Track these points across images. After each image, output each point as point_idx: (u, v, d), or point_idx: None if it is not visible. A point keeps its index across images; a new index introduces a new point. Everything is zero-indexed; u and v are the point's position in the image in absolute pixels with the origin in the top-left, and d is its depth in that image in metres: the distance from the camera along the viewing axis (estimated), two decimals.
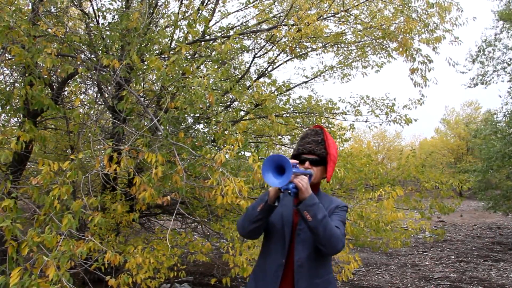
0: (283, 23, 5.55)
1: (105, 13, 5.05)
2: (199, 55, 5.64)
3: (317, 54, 7.31)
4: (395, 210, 4.47)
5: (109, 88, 5.09)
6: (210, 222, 5.16)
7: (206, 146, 4.13)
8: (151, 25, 5.20)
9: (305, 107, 6.96)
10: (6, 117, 4.55)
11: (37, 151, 5.87)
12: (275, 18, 6.40)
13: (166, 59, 4.61)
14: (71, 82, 5.06)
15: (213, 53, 5.29)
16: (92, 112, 4.51)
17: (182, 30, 5.13)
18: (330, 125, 7.72)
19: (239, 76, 6.65)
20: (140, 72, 4.59)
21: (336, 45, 6.88)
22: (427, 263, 8.71)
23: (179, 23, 5.19)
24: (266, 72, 6.98)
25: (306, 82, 7.99)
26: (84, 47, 4.93)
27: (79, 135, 4.18)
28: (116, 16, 4.90)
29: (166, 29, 5.65)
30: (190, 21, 4.42)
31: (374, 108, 6.94)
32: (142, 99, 5.00)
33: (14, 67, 4.64)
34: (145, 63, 4.18)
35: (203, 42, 5.30)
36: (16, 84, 4.75)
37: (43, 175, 2.74)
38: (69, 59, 4.55)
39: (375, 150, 27.81)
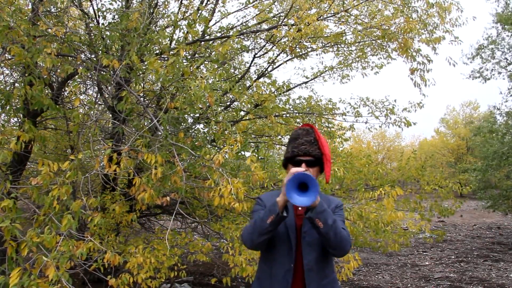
0: (283, 23, 5.54)
1: (105, 13, 5.05)
2: (199, 55, 5.64)
3: (317, 54, 7.31)
4: (394, 210, 4.46)
5: (109, 88, 5.09)
6: (210, 222, 5.16)
7: (206, 146, 4.13)
8: (151, 25, 5.19)
9: (305, 107, 6.95)
10: (6, 117, 4.56)
11: (36, 151, 5.87)
12: (275, 18, 6.40)
13: (166, 59, 4.61)
14: (71, 82, 5.06)
15: (213, 53, 5.29)
16: (92, 112, 4.51)
17: (182, 30, 5.13)
18: (330, 125, 7.71)
19: (239, 76, 6.65)
20: (140, 72, 4.59)
21: (336, 45, 6.88)
22: (427, 263, 8.71)
23: (179, 23, 5.19)
24: (266, 72, 6.97)
25: (306, 83, 7.99)
26: (84, 47, 4.93)
27: (79, 135, 4.18)
28: (116, 16, 4.90)
29: (166, 29, 5.65)
30: (190, 21, 4.43)
31: (374, 110, 6.94)
32: (142, 99, 5.00)
33: (14, 67, 4.64)
34: (145, 63, 4.18)
35: (203, 42, 5.30)
36: (16, 84, 4.76)
37: (43, 175, 2.74)
38: (69, 59, 4.56)
39: (375, 150, 27.81)
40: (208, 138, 4.74)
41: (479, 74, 12.89)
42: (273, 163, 4.86)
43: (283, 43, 5.85)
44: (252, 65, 6.79)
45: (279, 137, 6.84)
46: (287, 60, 6.98)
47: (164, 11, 5.82)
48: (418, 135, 41.66)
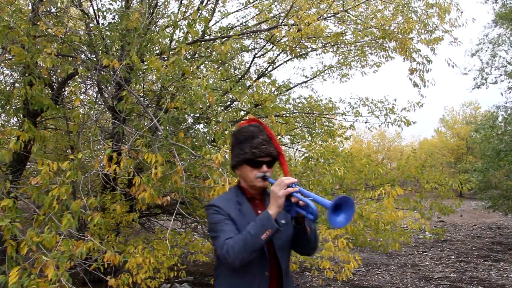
0: (283, 23, 5.55)
1: (105, 13, 5.05)
2: (199, 55, 5.64)
3: (317, 54, 7.32)
4: (395, 210, 4.47)
5: (109, 88, 5.10)
6: None
7: (206, 146, 4.13)
8: (151, 25, 5.20)
9: (305, 107, 6.96)
10: (6, 117, 4.56)
11: (36, 151, 5.87)
12: (275, 18, 6.40)
13: (166, 59, 4.61)
14: (71, 82, 5.06)
15: (213, 53, 5.29)
16: (92, 112, 4.51)
17: (182, 30, 5.13)
18: (330, 125, 7.72)
19: (239, 76, 6.65)
20: (140, 72, 4.60)
21: (336, 45, 6.89)
22: (427, 263, 8.71)
23: (179, 23, 5.20)
24: (266, 72, 6.98)
25: (305, 82, 8.00)
26: (84, 47, 4.93)
27: (79, 135, 4.18)
28: (116, 16, 4.90)
29: (166, 29, 5.65)
30: (190, 21, 4.43)
31: (374, 110, 6.94)
32: (142, 99, 5.00)
33: (14, 67, 4.64)
34: (145, 63, 4.18)
35: (203, 42, 5.31)
36: (16, 84, 4.75)
37: (43, 175, 2.74)
38: (69, 59, 4.56)
39: (375, 150, 27.82)
40: (208, 138, 4.74)
41: (480, 82, 12.92)
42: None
43: (283, 43, 5.86)
44: (252, 65, 6.81)
45: (279, 137, 6.84)
46: (287, 60, 6.99)
47: (164, 11, 5.83)
48: (418, 135, 41.62)
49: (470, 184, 7.11)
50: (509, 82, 12.49)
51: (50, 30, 3.69)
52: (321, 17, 5.43)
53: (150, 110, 4.56)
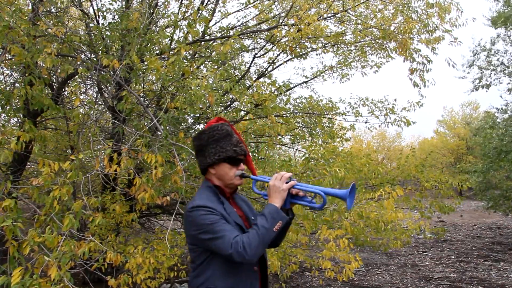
0: (283, 23, 5.55)
1: (105, 13, 5.05)
2: (199, 55, 5.64)
3: (317, 54, 7.33)
4: (395, 210, 4.47)
5: (109, 88, 5.09)
6: None
7: None
8: (151, 25, 5.20)
9: (306, 107, 6.96)
10: (6, 117, 4.56)
11: (37, 151, 5.87)
12: (275, 18, 6.40)
13: (166, 59, 4.61)
14: (71, 82, 5.06)
15: (213, 53, 5.29)
16: (92, 112, 4.51)
17: (182, 30, 5.13)
18: (330, 125, 7.72)
19: (239, 76, 6.65)
20: (140, 72, 4.59)
21: (336, 45, 6.89)
22: (427, 263, 8.71)
23: (179, 23, 5.20)
24: (266, 72, 6.98)
25: (306, 82, 8.01)
26: (84, 47, 4.93)
27: (79, 135, 4.18)
28: (116, 16, 4.90)
29: (166, 29, 5.65)
30: (190, 21, 4.42)
31: (374, 110, 6.95)
32: (142, 99, 5.00)
33: (14, 67, 4.64)
34: (145, 63, 4.18)
35: (203, 42, 5.31)
36: (16, 84, 4.75)
37: (44, 176, 2.74)
38: (69, 59, 4.56)
39: (375, 150, 27.82)
40: None
41: (479, 85, 12.94)
42: (273, 163, 4.86)
43: (283, 43, 5.86)
44: (252, 65, 6.81)
45: (279, 137, 6.84)
46: (287, 60, 7.00)
47: (164, 11, 5.83)
48: (418, 135, 41.64)
49: (470, 183, 7.12)
50: (508, 83, 12.52)
51: (50, 30, 3.69)
52: (321, 17, 5.44)
53: (150, 110, 4.56)
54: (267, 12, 6.32)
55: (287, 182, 1.84)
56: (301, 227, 4.26)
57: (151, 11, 5.03)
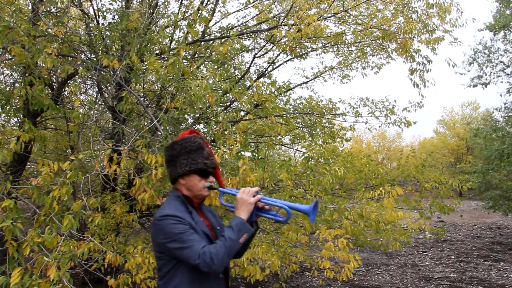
0: (283, 23, 5.55)
1: (105, 13, 5.05)
2: (199, 55, 5.64)
3: (317, 55, 7.32)
4: (395, 209, 4.47)
5: (109, 88, 5.10)
6: None
7: None
8: (151, 25, 5.20)
9: (306, 107, 6.96)
10: (6, 117, 4.56)
11: (36, 151, 5.87)
12: (275, 18, 6.40)
13: (166, 59, 4.61)
14: (71, 82, 5.06)
15: (213, 53, 5.29)
16: (92, 112, 4.51)
17: (182, 30, 5.13)
18: (330, 125, 7.72)
19: (239, 76, 6.65)
20: (140, 73, 4.60)
21: (336, 46, 6.89)
22: (427, 263, 8.71)
23: (179, 23, 5.20)
24: (266, 72, 6.98)
25: (306, 83, 8.00)
26: (84, 47, 4.93)
27: (79, 136, 4.18)
28: (116, 16, 4.90)
29: (166, 29, 5.65)
30: (190, 21, 4.43)
31: (374, 110, 6.95)
32: (142, 99, 5.00)
33: (14, 67, 4.64)
34: (145, 63, 4.18)
35: (203, 43, 5.31)
36: (16, 84, 4.76)
37: (43, 176, 2.74)
38: (69, 59, 4.56)
39: (375, 150, 27.82)
40: (208, 138, 4.74)
41: (478, 80, 12.91)
42: (273, 163, 4.86)
43: (283, 43, 5.86)
44: (252, 65, 6.81)
45: (279, 137, 6.85)
46: (287, 60, 6.99)
47: (164, 11, 5.83)
48: (418, 135, 41.64)
49: (470, 184, 7.12)
50: (508, 82, 12.50)
51: (50, 30, 3.69)
52: (321, 17, 5.43)
53: (150, 110, 4.56)
54: (267, 12, 6.32)
55: (254, 196, 1.90)
56: (301, 227, 4.26)
57: (151, 11, 5.03)
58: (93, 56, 4.82)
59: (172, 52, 4.68)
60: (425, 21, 5.52)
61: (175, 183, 2.00)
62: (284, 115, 6.56)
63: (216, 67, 5.60)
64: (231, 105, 6.52)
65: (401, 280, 7.30)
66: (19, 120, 4.53)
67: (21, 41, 3.35)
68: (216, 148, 4.64)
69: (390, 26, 5.39)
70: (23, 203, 3.63)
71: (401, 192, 4.45)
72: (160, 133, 3.97)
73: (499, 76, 12.67)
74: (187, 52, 5.11)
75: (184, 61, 4.85)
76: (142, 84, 5.42)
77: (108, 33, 4.58)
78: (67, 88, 5.45)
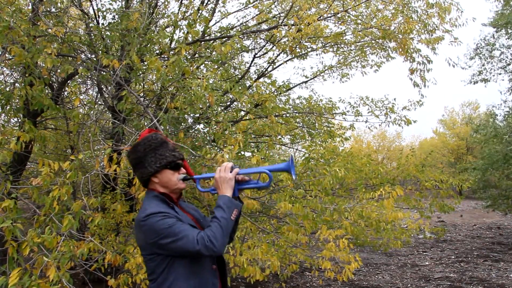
0: (283, 23, 5.55)
1: (105, 13, 5.05)
2: (199, 55, 5.64)
3: (317, 54, 7.33)
4: (395, 209, 4.47)
5: (109, 88, 5.09)
6: None
7: (206, 146, 4.13)
8: (151, 25, 5.19)
9: (305, 107, 6.96)
10: (6, 117, 4.56)
11: (37, 151, 5.87)
12: (275, 18, 6.40)
13: (166, 59, 4.61)
14: (71, 82, 5.06)
15: (213, 53, 5.29)
16: (92, 112, 4.51)
17: (182, 30, 5.13)
18: (330, 125, 7.72)
19: (239, 76, 6.65)
20: (140, 72, 4.59)
21: (336, 45, 6.89)
22: (427, 263, 8.71)
23: (179, 23, 5.19)
24: (266, 72, 6.98)
25: (305, 82, 8.01)
26: (84, 47, 4.93)
27: (79, 135, 4.18)
28: (116, 16, 4.90)
29: (166, 29, 5.65)
30: (190, 21, 4.42)
31: (374, 109, 6.95)
32: (142, 99, 5.00)
33: (14, 67, 4.64)
34: (145, 63, 4.18)
35: (203, 42, 5.31)
36: (16, 84, 4.75)
37: (43, 176, 2.74)
38: (69, 59, 4.55)
39: (375, 150, 27.82)
40: (208, 138, 4.74)
41: (479, 77, 12.90)
42: (274, 162, 4.87)
43: (283, 43, 5.86)
44: (252, 65, 6.81)
45: (279, 137, 6.85)
46: (287, 60, 6.99)
47: (164, 11, 5.83)
48: (418, 135, 41.66)
49: (469, 182, 7.11)
50: (510, 78, 12.49)
51: (50, 30, 3.68)
52: (321, 17, 5.43)
53: (150, 110, 4.55)
54: (267, 12, 6.32)
55: (231, 171, 1.89)
56: (301, 227, 4.26)
57: (151, 11, 5.03)
58: (93, 56, 4.82)
59: (172, 52, 4.68)
60: (425, 21, 5.52)
61: (147, 184, 1.97)
62: (284, 115, 6.56)
63: (216, 67, 5.60)
64: (231, 105, 6.52)
65: (401, 280, 7.30)
66: (19, 120, 4.53)
67: (21, 41, 3.35)
68: (217, 148, 4.65)
69: (390, 25, 5.39)
70: (23, 203, 3.63)
71: (401, 193, 4.45)
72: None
73: (499, 74, 12.67)
74: (187, 52, 5.10)
75: (184, 61, 4.84)
76: (142, 84, 5.41)
77: (108, 33, 4.57)
78: (67, 88, 5.45)
